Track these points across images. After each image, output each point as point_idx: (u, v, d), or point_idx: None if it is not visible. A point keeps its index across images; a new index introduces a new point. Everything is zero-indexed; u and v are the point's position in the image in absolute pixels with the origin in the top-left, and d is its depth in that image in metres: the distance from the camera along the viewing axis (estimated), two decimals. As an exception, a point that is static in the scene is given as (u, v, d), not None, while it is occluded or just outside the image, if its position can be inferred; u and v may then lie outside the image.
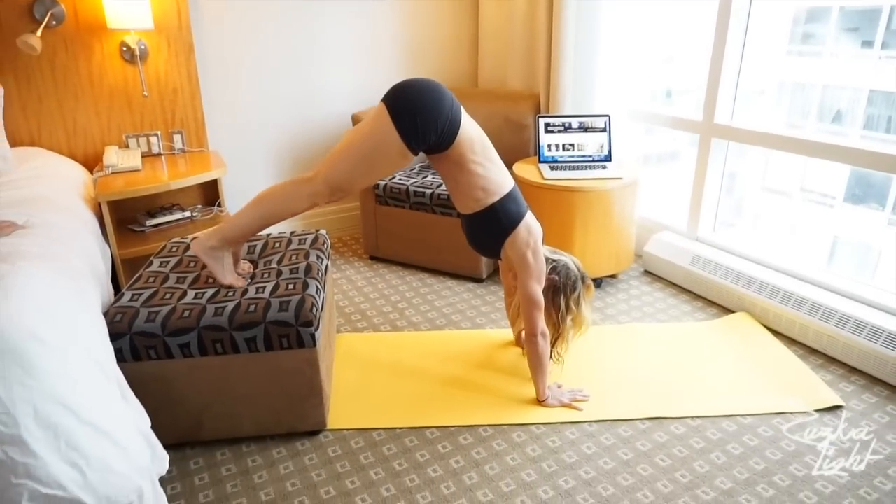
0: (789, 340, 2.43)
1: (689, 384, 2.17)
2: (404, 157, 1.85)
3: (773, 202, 7.42)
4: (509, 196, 1.96)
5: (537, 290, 1.98)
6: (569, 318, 2.08)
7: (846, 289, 2.38)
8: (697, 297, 2.79)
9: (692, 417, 2.01)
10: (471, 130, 1.90)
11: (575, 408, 2.05)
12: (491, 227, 1.98)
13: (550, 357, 2.10)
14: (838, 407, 2.04)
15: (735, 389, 2.14)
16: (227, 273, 1.94)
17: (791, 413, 2.01)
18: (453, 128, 1.84)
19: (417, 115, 1.79)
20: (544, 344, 2.00)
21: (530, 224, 1.99)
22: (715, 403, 2.06)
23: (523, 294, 1.99)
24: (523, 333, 2.40)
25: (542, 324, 1.99)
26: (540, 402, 2.07)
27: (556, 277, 2.06)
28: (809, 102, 7.32)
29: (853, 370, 2.24)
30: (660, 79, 3.44)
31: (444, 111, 1.81)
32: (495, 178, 1.93)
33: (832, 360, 2.30)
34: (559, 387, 2.13)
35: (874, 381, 2.18)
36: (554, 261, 2.09)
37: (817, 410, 2.02)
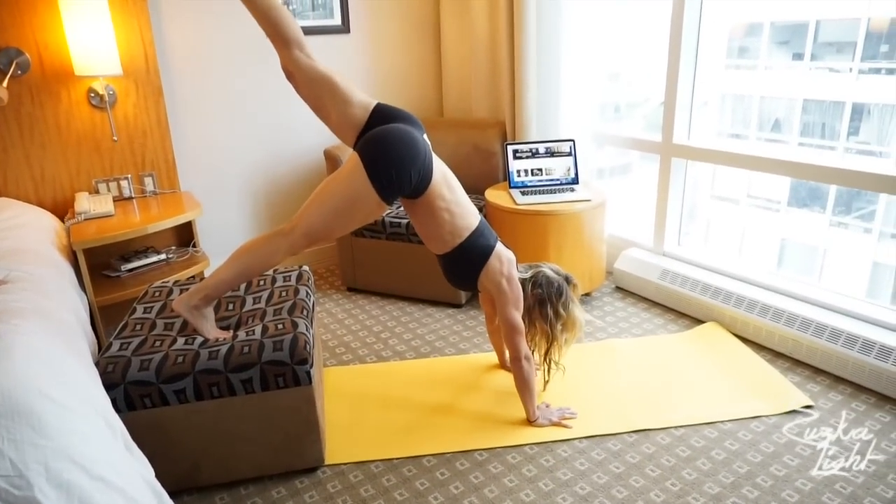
0: (757, 346, 2.57)
1: (669, 395, 2.27)
2: (380, 208, 1.92)
3: (723, 209, 7.75)
4: (476, 232, 2.04)
5: (515, 316, 2.05)
6: (559, 324, 2.12)
7: (804, 293, 2.54)
8: (668, 309, 2.91)
9: (675, 427, 2.10)
10: (439, 176, 1.97)
11: (565, 426, 2.11)
12: (463, 265, 2.07)
13: (548, 363, 2.17)
14: (809, 406, 2.17)
15: (712, 397, 2.25)
16: (211, 328, 1.95)
17: (765, 416, 2.13)
18: (426, 178, 1.92)
19: (392, 169, 1.85)
20: (529, 367, 2.07)
21: (501, 253, 2.07)
22: (695, 412, 2.16)
23: (503, 320, 2.06)
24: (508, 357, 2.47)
25: (524, 348, 2.06)
26: (530, 422, 2.13)
27: (540, 290, 2.12)
28: (749, 113, 7.71)
29: (818, 371, 2.38)
30: (608, 96, 3.62)
31: (418, 163, 1.89)
32: (461, 221, 2.02)
33: (798, 363, 2.44)
34: (547, 406, 2.20)
35: (838, 380, 2.32)
36: (532, 276, 2.14)
37: (789, 412, 2.14)
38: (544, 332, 2.15)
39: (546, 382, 2.24)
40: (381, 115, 1.97)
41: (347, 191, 1.88)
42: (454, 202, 2.00)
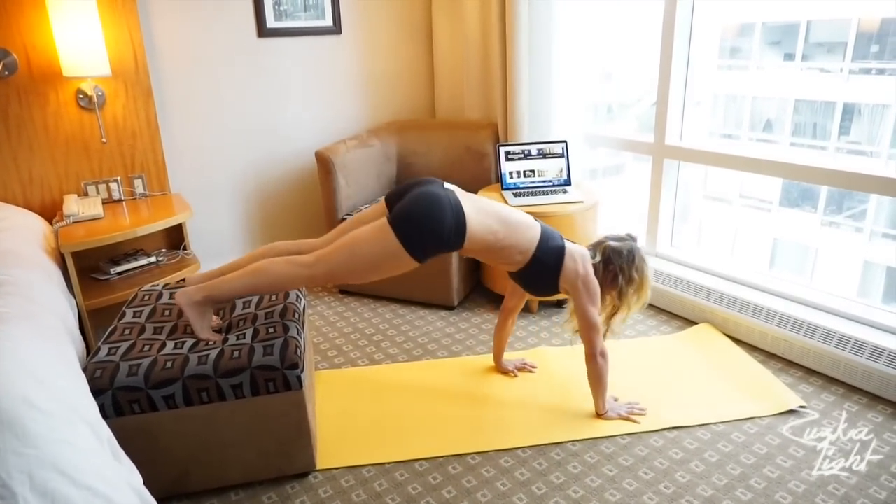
0: (750, 347, 2.57)
1: (662, 396, 2.26)
2: (413, 265, 1.93)
3: (715, 209, 7.78)
4: (543, 239, 2.03)
5: (593, 313, 2.05)
6: (631, 289, 2.09)
7: (797, 294, 2.54)
8: (660, 310, 2.91)
9: (668, 429, 2.10)
10: (475, 216, 1.94)
11: (633, 420, 2.12)
12: (541, 275, 2.07)
13: (605, 328, 2.14)
14: (802, 408, 2.17)
15: (705, 398, 2.24)
16: (206, 329, 1.93)
17: (759, 418, 2.13)
18: (460, 233, 1.91)
19: (424, 236, 1.87)
20: (604, 364, 2.08)
21: (573, 252, 2.06)
22: (688, 413, 2.16)
23: (580, 317, 2.07)
24: (504, 361, 2.45)
25: (600, 344, 2.07)
26: (599, 415, 2.15)
27: (612, 265, 2.09)
28: (741, 113, 7.74)
29: (810, 371, 2.39)
30: (601, 96, 3.62)
31: (447, 225, 1.88)
32: (524, 238, 2.01)
33: (791, 364, 2.44)
34: (616, 400, 2.21)
35: (830, 380, 2.32)
36: (602, 258, 2.10)
37: (782, 413, 2.14)
38: (613, 301, 2.13)
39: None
40: (395, 193, 2.02)
41: (382, 253, 1.88)
42: (507, 225, 1.99)
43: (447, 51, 3.58)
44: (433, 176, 3.36)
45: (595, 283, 2.06)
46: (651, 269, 2.14)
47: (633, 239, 2.14)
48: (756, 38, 7.38)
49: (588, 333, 2.07)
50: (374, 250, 1.88)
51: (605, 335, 2.15)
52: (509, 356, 2.50)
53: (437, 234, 1.87)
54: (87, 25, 2.49)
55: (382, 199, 2.07)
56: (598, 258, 2.10)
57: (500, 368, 2.46)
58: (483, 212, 1.97)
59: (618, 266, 2.08)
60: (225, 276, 1.96)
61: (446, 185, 2.01)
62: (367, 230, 1.90)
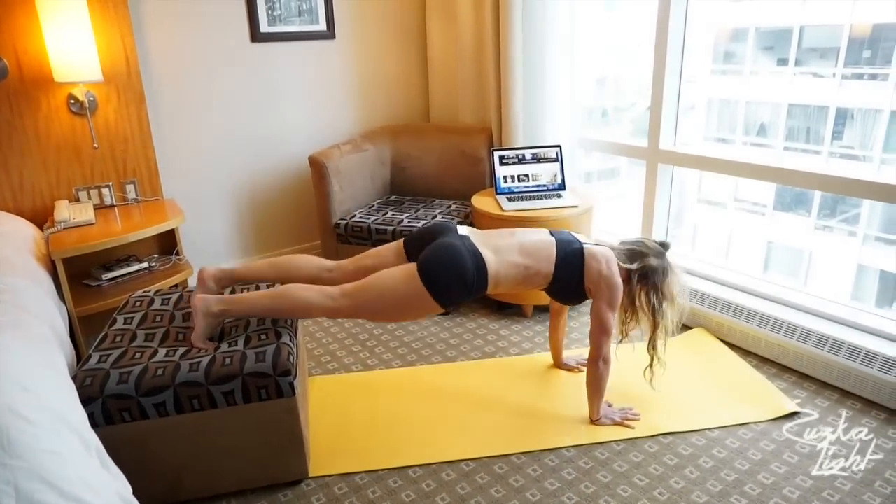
0: (743, 352, 2.56)
1: (656, 402, 2.25)
2: (438, 310, 2.00)
3: (710, 213, 7.79)
4: (560, 250, 2.05)
5: (608, 316, 2.05)
6: (664, 305, 2.08)
7: (790, 299, 2.54)
8: (655, 315, 2.90)
9: (663, 434, 2.09)
10: (500, 260, 1.99)
11: (627, 426, 2.12)
12: (567, 285, 2.08)
13: (655, 355, 2.13)
14: (795, 413, 2.16)
15: (700, 404, 2.24)
16: (203, 336, 1.92)
17: (753, 423, 2.13)
18: (481, 276, 1.97)
19: (449, 282, 1.93)
20: (604, 369, 2.08)
21: (595, 253, 2.06)
22: (683, 419, 2.15)
23: (594, 317, 2.07)
24: (564, 356, 2.50)
25: (605, 349, 2.06)
26: (593, 421, 2.14)
27: (645, 281, 2.08)
28: (735, 117, 7.76)
29: (804, 376, 2.38)
30: (595, 100, 3.63)
31: (469, 271, 1.94)
32: (544, 258, 2.04)
33: (784, 369, 2.44)
34: (610, 405, 2.20)
35: (824, 385, 2.32)
36: (639, 268, 2.08)
37: (777, 418, 2.14)
38: (649, 319, 2.11)
39: (651, 379, 2.15)
40: (414, 239, 2.11)
41: (410, 297, 1.94)
42: (530, 254, 2.03)
43: (441, 55, 3.58)
44: (428, 179, 3.38)
45: (618, 286, 2.05)
46: (679, 285, 2.12)
47: (666, 248, 2.16)
48: (749, 43, 7.41)
49: (598, 335, 2.06)
50: (401, 296, 1.95)
51: (654, 360, 2.14)
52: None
53: (461, 281, 1.94)
54: (78, 30, 2.48)
55: (401, 241, 2.14)
56: (634, 265, 2.09)
57: (562, 367, 2.48)
58: (503, 250, 2.02)
59: (653, 283, 2.09)
60: (246, 294, 1.98)
61: (460, 230, 2.07)
62: (395, 275, 1.96)
